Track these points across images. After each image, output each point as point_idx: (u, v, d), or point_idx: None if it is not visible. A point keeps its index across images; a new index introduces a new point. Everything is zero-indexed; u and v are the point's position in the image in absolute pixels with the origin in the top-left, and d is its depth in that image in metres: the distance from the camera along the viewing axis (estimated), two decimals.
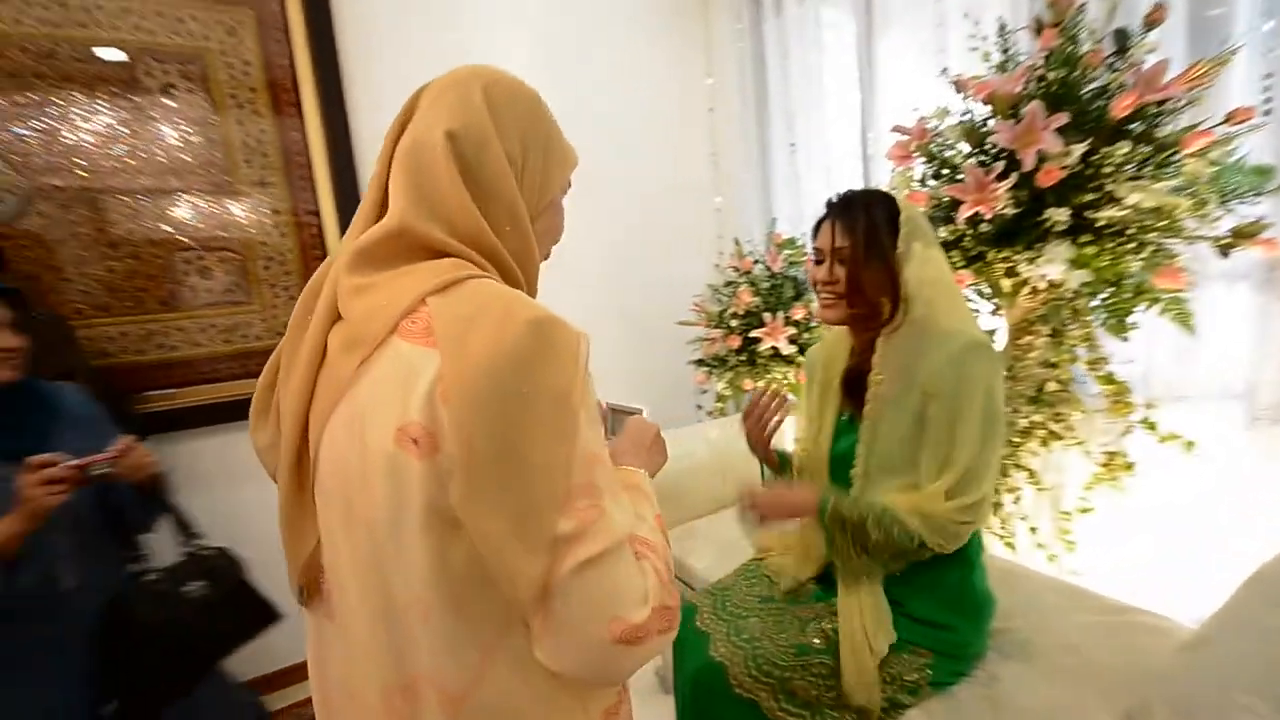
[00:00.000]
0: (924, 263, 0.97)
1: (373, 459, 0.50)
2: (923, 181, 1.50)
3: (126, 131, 1.63)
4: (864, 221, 0.98)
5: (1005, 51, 1.38)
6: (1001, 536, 1.42)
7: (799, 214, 2.27)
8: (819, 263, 1.04)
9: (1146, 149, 1.18)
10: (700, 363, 2.24)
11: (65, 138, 1.56)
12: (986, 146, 1.32)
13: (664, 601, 0.52)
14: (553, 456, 0.48)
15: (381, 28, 1.96)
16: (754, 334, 1.99)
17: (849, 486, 1.04)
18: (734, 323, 2.06)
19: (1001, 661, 1.02)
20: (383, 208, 0.57)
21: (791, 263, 2.06)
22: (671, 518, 1.63)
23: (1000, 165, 1.25)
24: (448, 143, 0.54)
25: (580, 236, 2.37)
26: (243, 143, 1.78)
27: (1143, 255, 1.19)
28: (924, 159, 1.46)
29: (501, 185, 0.57)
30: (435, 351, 0.49)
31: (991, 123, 1.33)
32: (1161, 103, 1.18)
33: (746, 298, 2.05)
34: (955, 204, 1.35)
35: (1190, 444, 1.19)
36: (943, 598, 0.99)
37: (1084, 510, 1.37)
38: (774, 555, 1.25)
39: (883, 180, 1.90)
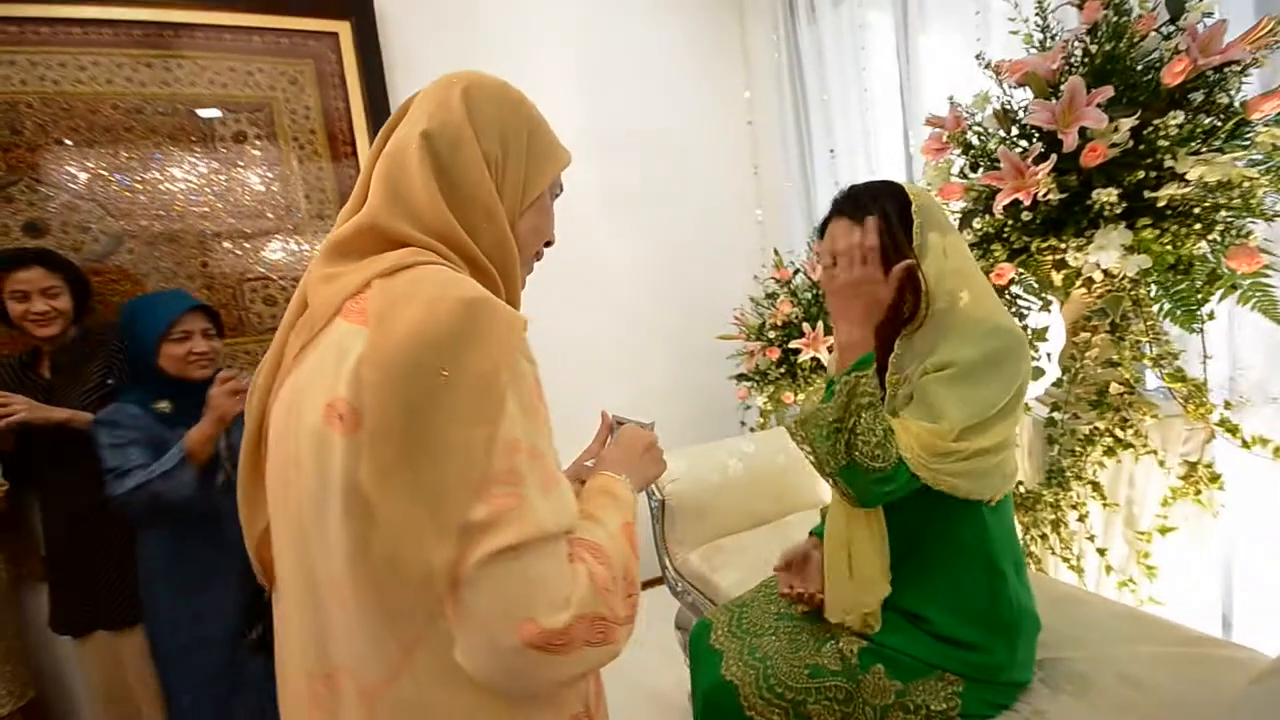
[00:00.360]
0: (943, 253, 0.90)
1: (304, 437, 0.50)
2: (962, 174, 1.41)
3: (203, 175, 1.81)
4: (877, 213, 0.92)
5: (1045, 30, 1.29)
6: (1065, 559, 1.27)
7: None
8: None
9: (1207, 119, 1.06)
10: (742, 377, 2.18)
11: (151, 183, 1.75)
12: (1024, 129, 1.23)
13: (595, 611, 0.48)
14: (470, 438, 0.46)
15: (429, 70, 2.08)
16: (793, 345, 1.92)
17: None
18: (772, 334, 2.00)
19: (1050, 695, 0.90)
20: (363, 202, 0.59)
21: None
22: (700, 534, 1.57)
23: (1038, 147, 1.15)
24: (423, 142, 0.56)
25: (621, 252, 2.42)
26: (303, 181, 1.93)
27: (1211, 235, 1.06)
28: (960, 150, 1.38)
29: (476, 184, 0.57)
30: (367, 329, 0.49)
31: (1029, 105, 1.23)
32: (1222, 67, 1.05)
33: (786, 308, 1.99)
34: (995, 193, 1.25)
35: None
36: (967, 611, 0.88)
37: (1164, 530, 1.20)
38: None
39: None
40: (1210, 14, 1.11)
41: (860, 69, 2.03)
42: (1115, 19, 1.17)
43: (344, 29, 1.96)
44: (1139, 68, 1.16)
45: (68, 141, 1.66)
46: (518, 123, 0.62)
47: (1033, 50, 1.29)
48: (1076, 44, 1.19)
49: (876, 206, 0.93)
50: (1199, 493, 1.17)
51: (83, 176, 1.68)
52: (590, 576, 0.49)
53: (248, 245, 1.88)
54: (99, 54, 1.68)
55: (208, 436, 1.29)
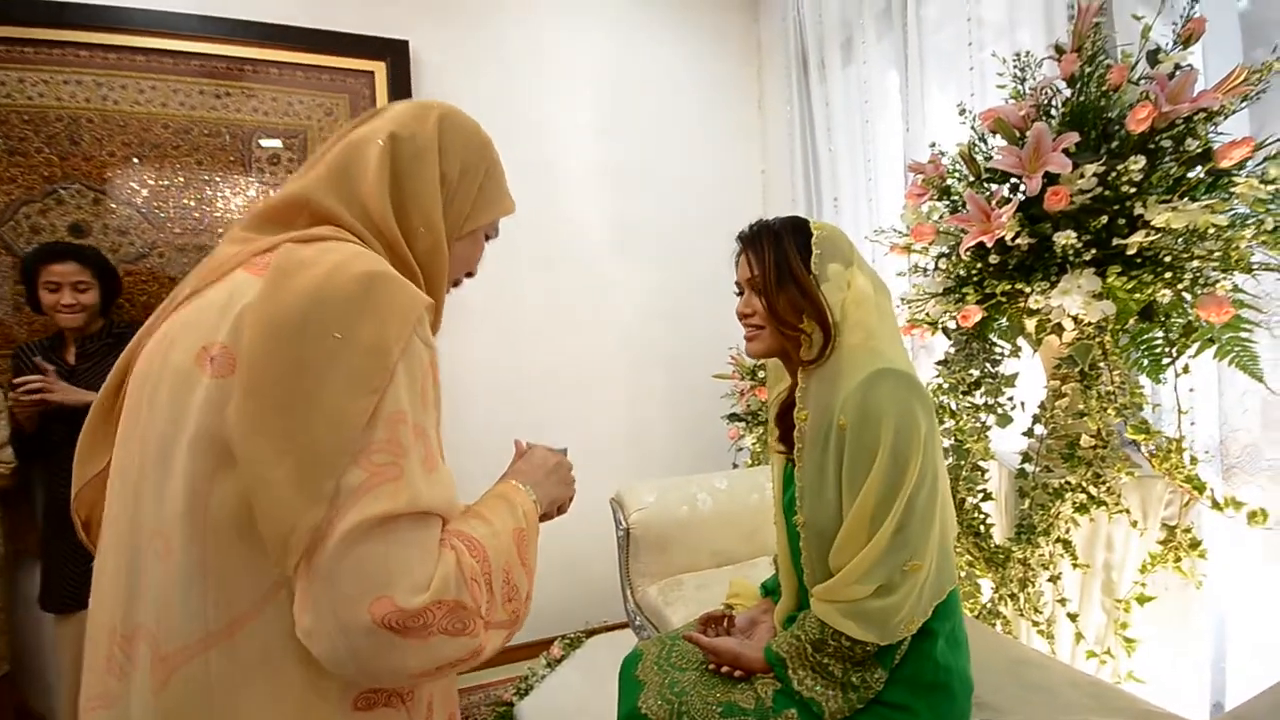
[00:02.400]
0: (845, 284, 0.90)
1: (167, 375, 0.49)
2: (941, 217, 1.40)
3: (235, 192, 1.96)
4: (772, 247, 0.93)
5: (1022, 81, 1.30)
6: (1035, 623, 1.19)
7: None
8: (740, 294, 0.99)
9: (1174, 166, 1.03)
10: (734, 417, 2.16)
11: (188, 197, 1.91)
12: (993, 173, 1.22)
13: (457, 598, 0.46)
14: (350, 405, 0.45)
15: (457, 103, 2.24)
16: None
17: (794, 522, 0.93)
18: (764, 375, 1.99)
19: None
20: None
21: None
22: (662, 567, 1.54)
23: (1002, 189, 1.15)
24: (389, 142, 0.59)
25: (628, 284, 2.48)
26: None
27: (1180, 284, 1.02)
28: (938, 195, 1.38)
29: (426, 194, 0.60)
30: (259, 280, 0.49)
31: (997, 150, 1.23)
32: (1192, 116, 1.04)
33: None
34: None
35: (1257, 515, 0.95)
36: (893, 670, 0.83)
37: (1142, 599, 1.12)
38: (740, 605, 1.14)
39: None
40: (1186, 64, 1.10)
41: (864, 122, 2.07)
42: (1090, 69, 1.17)
43: (379, 69, 2.13)
44: (1113, 116, 1.15)
45: (120, 155, 1.84)
46: (479, 160, 0.67)
47: (1013, 101, 1.30)
48: (1048, 92, 1.19)
49: (771, 237, 0.94)
50: (1179, 560, 1.09)
51: (128, 186, 1.85)
52: (458, 564, 0.48)
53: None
54: (158, 79, 1.88)
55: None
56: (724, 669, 0.95)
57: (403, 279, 0.52)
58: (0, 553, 1.62)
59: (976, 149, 1.30)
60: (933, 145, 1.43)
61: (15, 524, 1.67)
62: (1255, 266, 1.02)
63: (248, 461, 0.44)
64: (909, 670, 0.84)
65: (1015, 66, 1.30)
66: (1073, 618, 1.15)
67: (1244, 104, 1.05)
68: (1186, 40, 1.12)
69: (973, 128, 1.32)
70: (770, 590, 1.13)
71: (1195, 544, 1.06)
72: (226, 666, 0.46)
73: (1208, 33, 1.11)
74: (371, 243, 0.57)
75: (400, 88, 2.13)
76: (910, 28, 1.86)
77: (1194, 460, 1.03)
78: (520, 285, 2.28)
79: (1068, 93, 1.20)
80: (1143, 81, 1.13)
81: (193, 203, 1.92)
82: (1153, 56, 1.15)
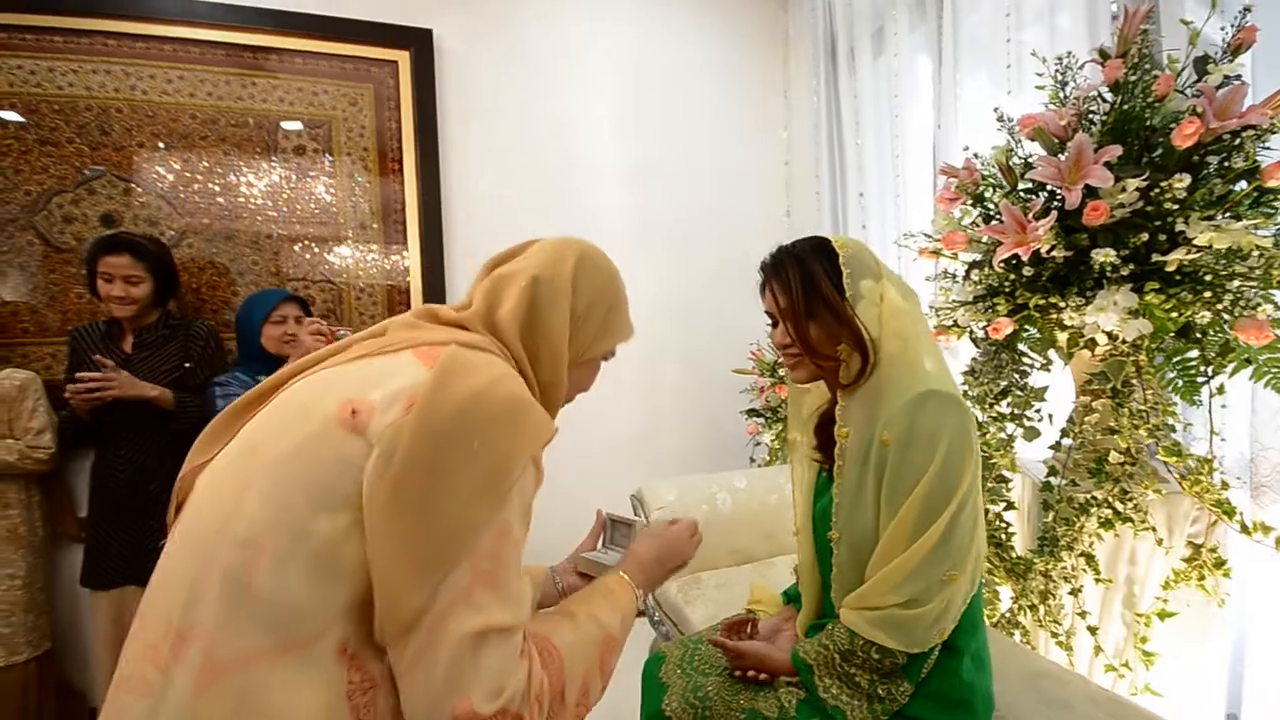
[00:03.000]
0: (879, 298, 0.89)
1: (315, 414, 0.55)
2: (975, 225, 1.38)
3: (262, 183, 1.98)
4: (798, 274, 0.92)
5: (1064, 85, 1.27)
6: (1054, 634, 1.20)
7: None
8: (774, 325, 0.99)
9: (1220, 183, 1.01)
10: (753, 412, 2.17)
11: (216, 188, 1.93)
12: (1032, 184, 1.20)
13: (518, 711, 0.52)
14: (471, 510, 0.53)
15: (480, 97, 2.23)
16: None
17: (830, 551, 0.94)
18: (782, 372, 1.99)
19: None
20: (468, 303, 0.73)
21: None
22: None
23: (1039, 201, 1.13)
24: (530, 284, 0.70)
25: (649, 276, 2.47)
26: (350, 193, 2.08)
27: (1220, 304, 1.00)
28: (971, 201, 1.36)
29: (555, 332, 0.70)
30: (426, 370, 0.56)
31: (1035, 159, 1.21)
32: (1240, 131, 1.01)
33: None
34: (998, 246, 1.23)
35: None
36: (919, 685, 0.85)
37: (1163, 615, 1.12)
38: (761, 610, 1.15)
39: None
40: (1237, 75, 1.07)
41: (894, 116, 2.03)
42: (1135, 76, 1.14)
43: (403, 58, 2.12)
44: (1156, 127, 1.12)
45: (149, 145, 1.86)
46: (604, 296, 0.77)
47: (1053, 106, 1.27)
48: (1092, 101, 1.17)
49: (796, 264, 0.93)
50: (1203, 578, 1.09)
51: (157, 177, 1.87)
52: (529, 678, 0.54)
53: (296, 248, 2.03)
54: (185, 69, 1.88)
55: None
56: (749, 673, 0.97)
57: (539, 407, 0.61)
58: (41, 535, 1.67)
59: (1013, 155, 1.27)
60: (966, 149, 1.40)
61: (54, 508, 1.73)
62: None
63: (376, 532, 0.50)
64: (934, 687, 0.85)
65: (1056, 70, 1.27)
66: (1093, 631, 1.16)
67: None
68: (1236, 50, 1.09)
69: (1010, 133, 1.29)
70: (792, 598, 1.15)
71: (1220, 563, 1.06)
72: (262, 682, 0.49)
73: (1258, 42, 1.08)
74: (509, 361, 0.67)
75: (425, 79, 2.12)
76: (945, 17, 1.81)
77: (1225, 484, 1.02)
78: None
79: (1109, 97, 1.18)
80: (1189, 90, 1.11)
81: (218, 187, 1.93)
82: (1200, 64, 1.12)
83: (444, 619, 0.50)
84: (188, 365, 1.67)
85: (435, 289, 2.15)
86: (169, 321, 1.70)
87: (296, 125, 2.02)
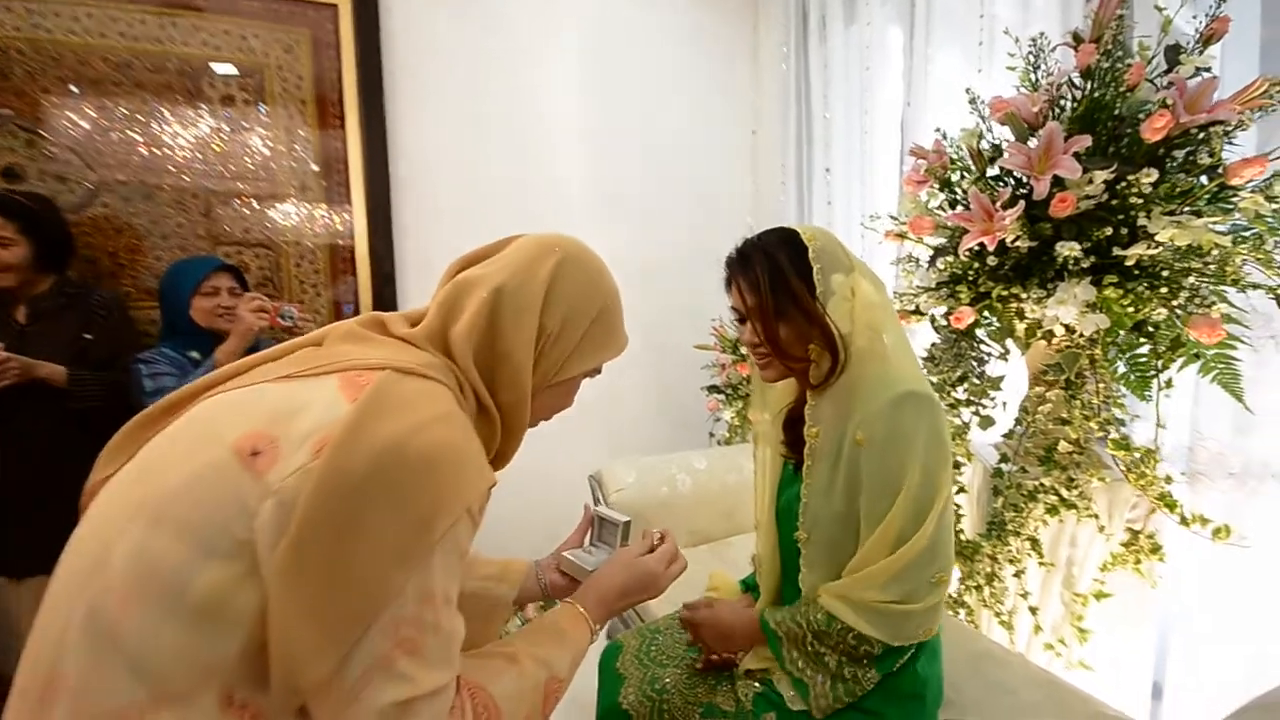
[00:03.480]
0: (850, 292, 0.86)
1: (212, 443, 0.48)
2: (941, 209, 1.37)
3: (183, 135, 1.80)
4: (767, 271, 0.88)
5: (1036, 68, 1.24)
6: (997, 614, 1.24)
7: None
8: (741, 322, 0.94)
9: (1184, 178, 1.01)
10: (714, 389, 2.16)
11: (131, 137, 1.75)
12: (1001, 172, 1.19)
13: None
14: (385, 575, 0.46)
15: (429, 48, 2.07)
16: None
17: (796, 553, 0.93)
18: (744, 351, 1.97)
19: None
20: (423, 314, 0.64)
21: None
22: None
23: (1007, 191, 1.11)
24: (493, 295, 0.60)
25: (611, 246, 2.37)
26: (288, 150, 1.92)
27: (1175, 301, 1.02)
28: (938, 185, 1.34)
29: (517, 352, 0.61)
30: (347, 403, 0.49)
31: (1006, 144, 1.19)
32: (1207, 126, 1.01)
33: None
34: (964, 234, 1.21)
35: (1221, 531, 0.99)
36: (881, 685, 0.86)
37: (1100, 595, 1.17)
38: (719, 599, 1.15)
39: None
40: (1207, 69, 1.06)
41: (864, 91, 1.99)
42: (1107, 64, 1.13)
43: (344, 2, 1.94)
44: (1124, 116, 1.11)
45: (54, 90, 1.66)
46: (586, 309, 0.66)
47: (1024, 89, 1.25)
48: (1064, 88, 1.15)
49: (764, 261, 0.89)
50: (1139, 562, 1.14)
51: (65, 127, 1.68)
52: None
53: (228, 209, 1.87)
54: (94, 7, 1.68)
55: (234, 351, 1.43)
56: (711, 656, 0.96)
57: (471, 457, 0.53)
58: None
59: (983, 139, 1.25)
60: (938, 130, 1.37)
61: None
62: (1248, 284, 1.02)
63: (280, 598, 0.44)
64: (890, 681, 0.86)
65: (1029, 51, 1.24)
66: (1033, 611, 1.20)
67: (1259, 116, 1.02)
68: (1208, 40, 1.08)
69: (981, 116, 1.26)
70: (750, 587, 1.15)
71: (1156, 549, 1.11)
72: None
73: (1229, 33, 1.07)
74: (463, 388, 0.59)
75: (368, 26, 1.96)
76: None
77: (1169, 479, 1.05)
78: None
79: (1079, 83, 1.16)
80: (1159, 80, 1.09)
81: (139, 137, 1.75)
82: (1172, 54, 1.10)
83: (359, 691, 0.46)
84: (87, 337, 1.53)
85: (382, 252, 2.02)
86: (65, 289, 1.53)
87: (227, 70, 1.83)
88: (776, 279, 0.88)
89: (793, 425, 0.97)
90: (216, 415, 0.52)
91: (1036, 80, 1.25)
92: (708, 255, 2.53)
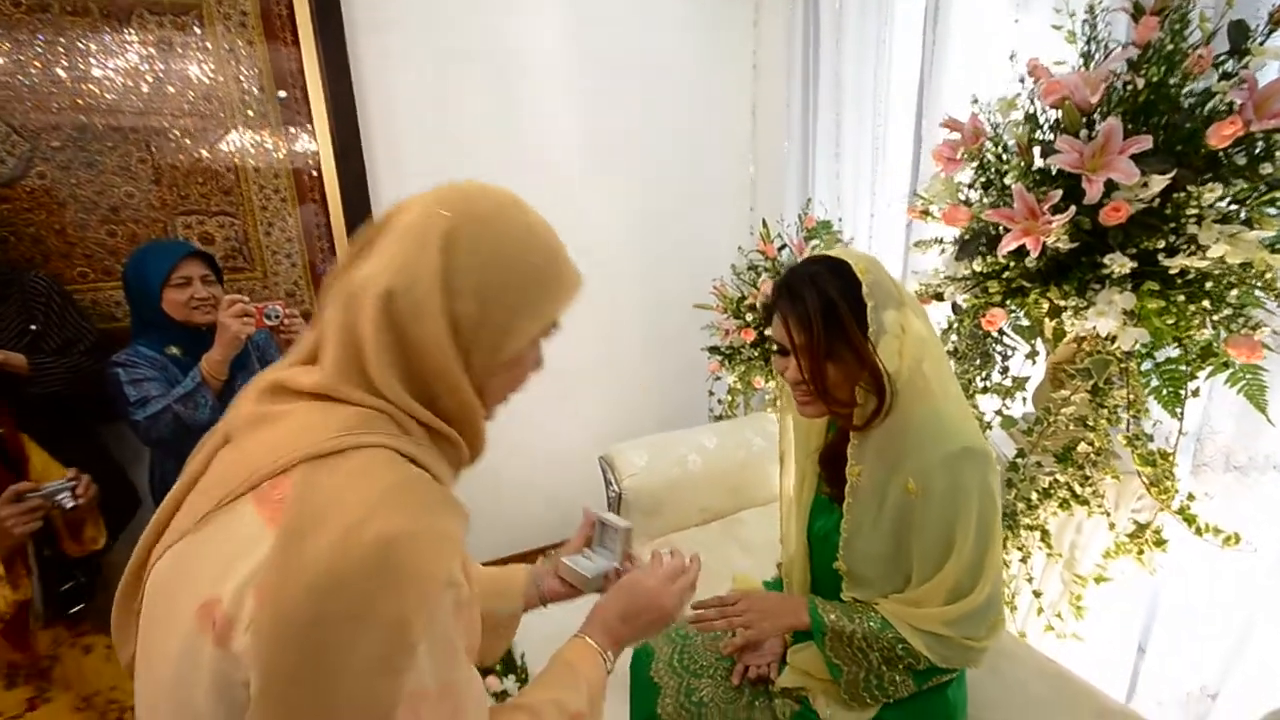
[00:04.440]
0: (900, 330, 0.82)
1: (174, 621, 0.44)
2: (971, 187, 1.29)
3: (110, 63, 1.55)
4: (820, 308, 0.82)
5: (1092, 40, 1.13)
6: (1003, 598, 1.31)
7: (836, 195, 2.05)
8: (783, 355, 0.89)
9: (1243, 186, 0.96)
10: (715, 350, 2.12)
11: (55, 75, 1.50)
12: (1046, 166, 1.11)
13: None
14: (369, 690, 0.41)
15: None
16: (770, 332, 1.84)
17: (831, 575, 0.94)
18: (750, 316, 1.92)
19: None
20: (319, 340, 0.53)
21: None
22: (653, 528, 1.58)
23: (1058, 194, 1.05)
24: (382, 305, 0.49)
25: (602, 198, 2.26)
26: (236, 74, 1.68)
27: (1218, 316, 1.00)
28: (974, 164, 1.25)
29: (434, 355, 0.51)
30: (271, 535, 0.43)
31: (1054, 132, 1.11)
32: (1272, 132, 0.94)
33: (767, 288, 1.90)
34: (999, 229, 1.15)
35: (1231, 539, 1.04)
36: (906, 707, 0.90)
37: (1100, 579, 1.24)
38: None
39: (929, 173, 1.67)
40: (1277, 58, 0.98)
41: (881, 35, 1.82)
42: (1170, 47, 1.03)
43: None
44: (1185, 106, 1.03)
45: None
46: (506, 275, 0.54)
47: (1073, 66, 1.14)
48: (1121, 73, 1.05)
49: (817, 297, 0.83)
50: (1141, 552, 1.20)
51: None
52: None
53: (165, 145, 1.64)
54: None
55: (221, 359, 1.36)
56: (747, 672, 0.99)
57: (421, 535, 0.45)
58: None
59: (1034, 128, 1.15)
60: (975, 101, 1.26)
61: None
62: None
63: None
64: (921, 707, 0.91)
65: (1086, 18, 1.13)
66: (1037, 595, 1.27)
67: None
68: (1278, 21, 0.99)
69: (1030, 95, 1.16)
70: (772, 589, 1.18)
71: (1161, 542, 1.16)
72: None
73: None
74: (403, 421, 0.52)
75: None
76: None
77: (1191, 497, 1.08)
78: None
79: (1139, 78, 1.06)
80: (1224, 65, 1.01)
81: (64, 74, 1.51)
82: (1238, 33, 1.01)
83: None
84: (34, 329, 1.41)
85: (353, 175, 1.83)
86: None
87: (155, 13, 1.57)
88: (830, 317, 0.83)
89: (833, 461, 0.95)
90: (172, 586, 0.47)
91: (1088, 49, 1.14)
92: (706, 206, 2.42)
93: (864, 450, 0.87)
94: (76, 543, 1.26)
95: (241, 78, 1.68)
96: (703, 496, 1.64)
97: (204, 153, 1.68)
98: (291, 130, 1.76)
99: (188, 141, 1.65)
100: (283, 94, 1.73)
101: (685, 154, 2.30)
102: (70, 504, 1.13)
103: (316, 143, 1.78)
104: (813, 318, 0.83)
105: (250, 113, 1.71)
